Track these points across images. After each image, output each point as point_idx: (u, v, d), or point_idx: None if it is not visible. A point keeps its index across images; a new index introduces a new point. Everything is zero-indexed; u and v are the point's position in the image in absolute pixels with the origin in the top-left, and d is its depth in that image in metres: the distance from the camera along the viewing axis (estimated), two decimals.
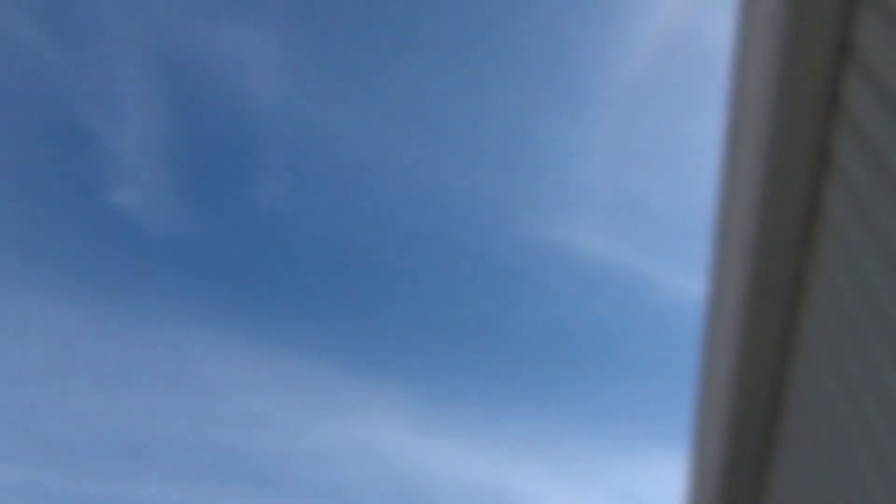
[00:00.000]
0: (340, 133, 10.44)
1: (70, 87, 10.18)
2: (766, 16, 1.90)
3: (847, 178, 1.92)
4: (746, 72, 2.11)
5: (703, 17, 8.95)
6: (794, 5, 1.79)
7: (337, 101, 10.23)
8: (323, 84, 10.16)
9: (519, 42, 9.50)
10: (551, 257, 11.00)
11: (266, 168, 10.96)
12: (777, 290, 2.34)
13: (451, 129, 10.35)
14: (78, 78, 10.02)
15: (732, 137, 2.30)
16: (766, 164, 2.07)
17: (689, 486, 3.47)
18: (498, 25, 9.45)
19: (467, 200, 10.91)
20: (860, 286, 1.91)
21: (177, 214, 11.43)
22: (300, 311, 12.58)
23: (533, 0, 9.25)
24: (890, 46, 1.60)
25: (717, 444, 2.89)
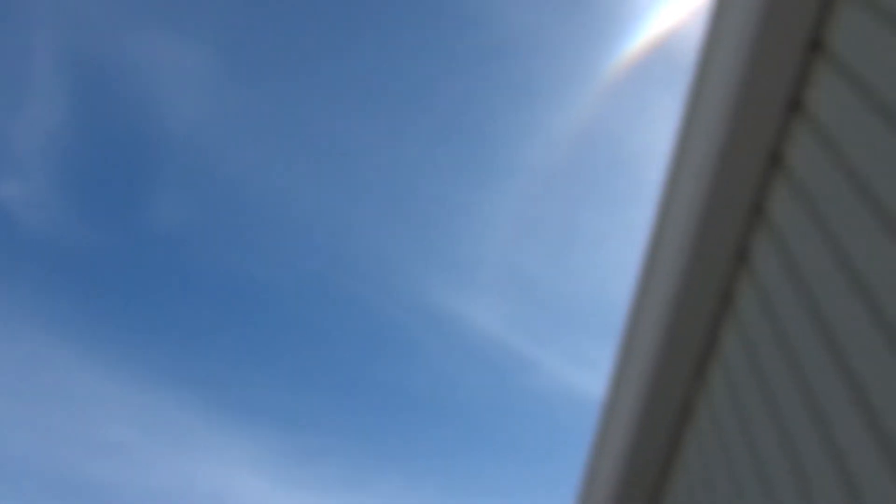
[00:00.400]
0: (252, 166, 10.27)
1: None
2: (704, 130, 2.10)
3: (741, 320, 2.12)
4: (672, 205, 2.30)
5: (630, 121, 9.56)
6: (730, 125, 1.99)
7: (255, 132, 10.10)
8: (243, 113, 10.03)
9: (452, 105, 9.79)
10: (441, 325, 11.11)
11: (166, 187, 10.57)
12: (667, 412, 2.51)
13: (368, 180, 10.43)
14: None
15: (648, 264, 2.48)
16: (671, 308, 2.26)
17: None
18: (434, 83, 9.72)
19: (369, 253, 10.92)
20: (740, 422, 2.09)
21: (61, 217, 10.76)
22: (175, 339, 12.00)
23: (473, 66, 9.59)
24: (818, 161, 1.80)
25: None
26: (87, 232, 10.93)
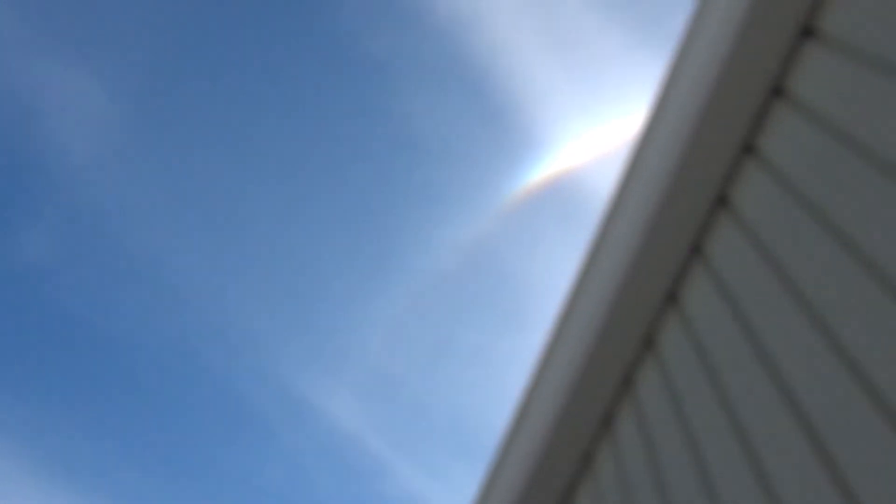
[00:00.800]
0: (133, 214, 9.77)
1: None
2: (601, 278, 2.19)
3: (617, 444, 2.16)
4: (567, 330, 2.37)
5: (521, 247, 9.91)
6: (622, 290, 2.09)
7: (143, 182, 9.69)
8: (135, 159, 9.64)
9: (355, 193, 9.82)
10: (301, 414, 10.64)
11: (42, 219, 9.83)
12: None
13: (255, 251, 10.13)
14: None
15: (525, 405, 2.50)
16: (549, 435, 2.30)
17: None
18: (342, 167, 9.75)
19: (241, 328, 10.45)
20: None
21: None
22: (7, 381, 10.77)
23: (383, 160, 9.73)
24: (738, 253, 1.90)
25: None
26: None
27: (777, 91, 1.80)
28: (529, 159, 9.48)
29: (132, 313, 10.28)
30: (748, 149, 1.87)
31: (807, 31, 1.72)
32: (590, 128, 9.17)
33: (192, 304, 10.24)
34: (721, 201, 1.95)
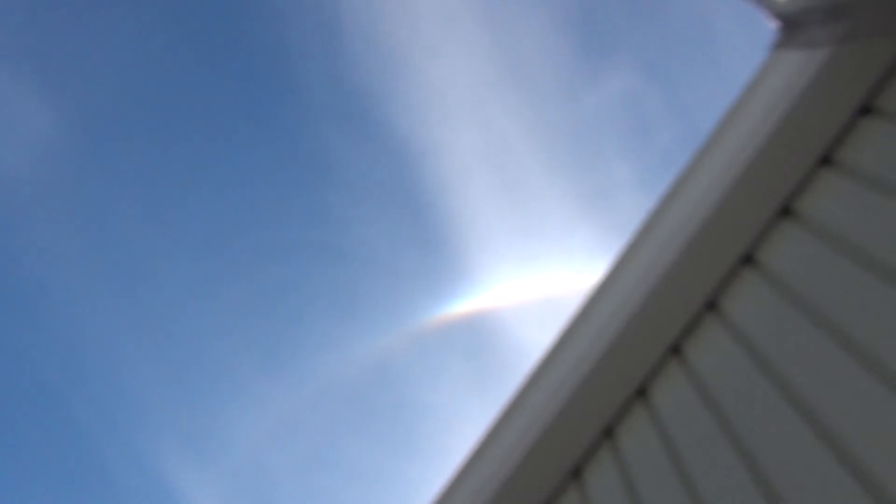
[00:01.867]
0: (47, 246, 9.09)
1: None
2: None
3: None
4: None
5: (425, 375, 9.75)
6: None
7: (64, 213, 9.10)
8: (62, 189, 9.11)
9: (269, 284, 9.50)
10: (160, 496, 9.56)
11: None
12: None
13: (160, 321, 9.47)
14: None
15: None
16: None
17: None
18: (261, 256, 9.47)
19: (120, 391, 9.53)
20: None
21: None
22: None
23: (302, 257, 9.55)
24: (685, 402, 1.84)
25: None
26: None
27: (786, 210, 1.90)
28: (453, 291, 9.58)
29: (13, 345, 9.26)
30: (747, 259, 1.94)
31: (824, 161, 1.86)
32: (519, 276, 9.43)
33: (80, 352, 9.34)
34: (710, 306, 1.99)
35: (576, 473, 2.08)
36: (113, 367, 9.25)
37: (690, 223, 1.93)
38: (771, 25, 1.96)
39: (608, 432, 2.06)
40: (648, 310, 1.99)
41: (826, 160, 1.86)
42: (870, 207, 1.64)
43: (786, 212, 1.89)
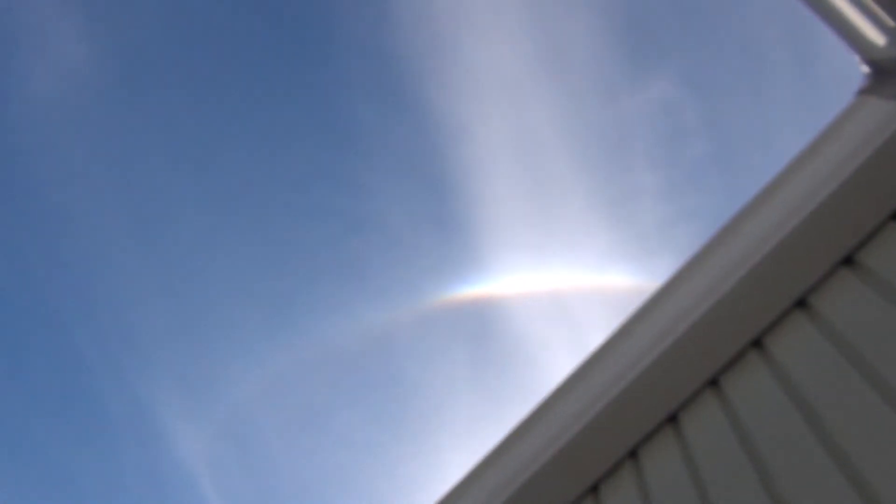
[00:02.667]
0: (64, 172, 9.07)
1: None
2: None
3: None
4: None
5: (418, 354, 9.78)
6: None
7: (89, 145, 9.07)
8: (91, 129, 9.08)
9: (290, 244, 9.48)
10: (142, 426, 9.65)
11: None
12: None
13: (173, 265, 9.47)
14: None
15: None
16: None
17: None
18: (288, 215, 9.46)
19: (123, 321, 9.58)
20: None
21: None
22: None
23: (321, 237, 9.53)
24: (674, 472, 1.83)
25: None
26: None
27: (849, 260, 1.87)
28: (463, 275, 9.58)
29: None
30: (801, 303, 1.92)
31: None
32: (529, 269, 9.43)
33: (92, 278, 9.37)
34: (756, 343, 1.97)
35: (594, 488, 2.08)
36: (122, 304, 9.31)
37: (753, 257, 1.91)
38: (861, 69, 1.93)
39: (632, 454, 2.05)
40: (693, 337, 1.98)
41: None
42: None
43: (848, 261, 1.87)
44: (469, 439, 8.82)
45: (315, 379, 9.44)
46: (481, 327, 9.45)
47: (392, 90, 8.94)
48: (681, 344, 1.98)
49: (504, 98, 8.62)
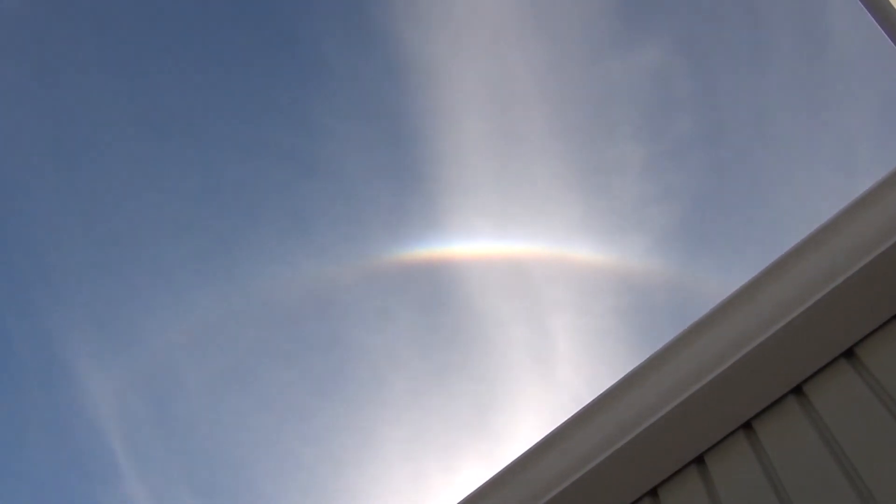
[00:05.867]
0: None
1: None
2: None
3: None
4: None
5: (368, 313, 9.13)
6: None
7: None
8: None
9: (239, 185, 8.63)
10: (51, 372, 8.85)
11: None
12: None
13: (105, 207, 8.54)
14: None
15: None
16: None
17: None
18: (242, 154, 8.59)
19: (42, 255, 8.68)
20: None
21: None
22: None
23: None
24: None
25: None
26: None
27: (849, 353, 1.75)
28: (418, 234, 8.90)
29: None
30: (797, 390, 1.80)
31: None
32: (491, 235, 8.76)
33: (11, 212, 8.37)
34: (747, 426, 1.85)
35: None
36: (36, 233, 8.38)
37: (770, 327, 1.77)
38: None
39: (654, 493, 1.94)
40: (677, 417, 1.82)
41: None
42: None
43: (849, 354, 1.75)
44: (409, 413, 8.22)
45: (246, 333, 8.68)
46: (433, 293, 8.80)
47: (360, 21, 8.05)
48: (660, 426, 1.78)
49: (482, 41, 7.83)
